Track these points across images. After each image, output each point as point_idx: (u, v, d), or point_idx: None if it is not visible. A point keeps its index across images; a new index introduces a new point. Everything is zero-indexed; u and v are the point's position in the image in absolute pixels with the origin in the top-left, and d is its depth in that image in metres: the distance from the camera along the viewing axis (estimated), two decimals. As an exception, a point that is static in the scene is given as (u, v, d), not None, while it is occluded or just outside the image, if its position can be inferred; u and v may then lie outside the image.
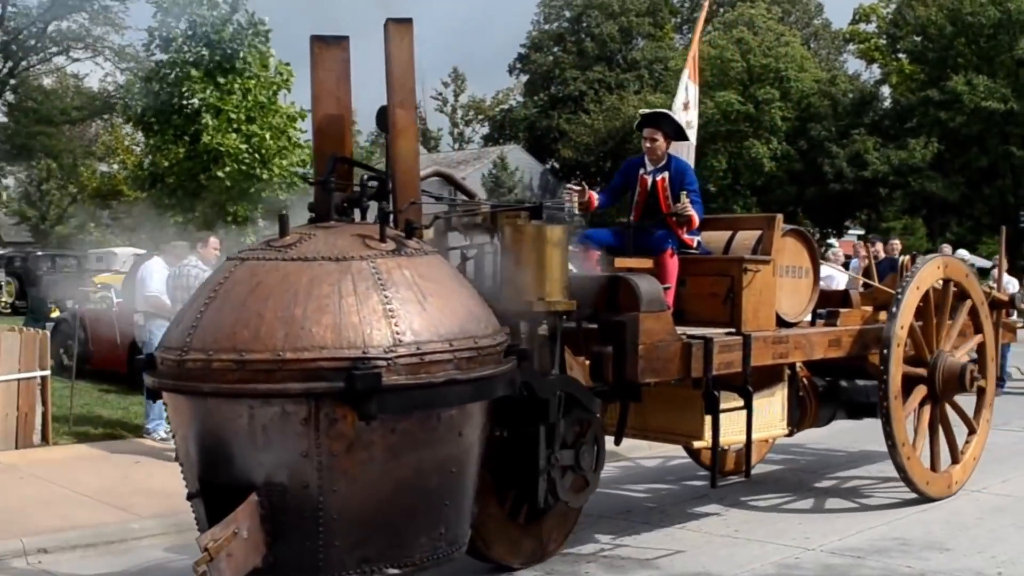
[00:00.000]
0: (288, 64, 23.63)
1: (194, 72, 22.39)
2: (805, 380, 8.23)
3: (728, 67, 38.74)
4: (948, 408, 8.55)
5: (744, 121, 38.42)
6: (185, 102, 22.49)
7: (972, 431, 8.73)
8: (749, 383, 7.06)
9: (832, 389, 8.44)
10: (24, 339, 9.90)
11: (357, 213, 5.36)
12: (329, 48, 5.44)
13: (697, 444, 7.15)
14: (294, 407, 4.49)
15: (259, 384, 4.49)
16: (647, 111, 7.67)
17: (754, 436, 7.52)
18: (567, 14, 54.22)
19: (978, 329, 8.79)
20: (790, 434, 7.97)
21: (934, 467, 8.28)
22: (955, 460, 8.51)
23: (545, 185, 49.41)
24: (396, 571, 4.79)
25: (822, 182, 38.40)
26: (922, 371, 8.18)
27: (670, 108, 9.06)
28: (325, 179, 5.17)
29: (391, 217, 5.13)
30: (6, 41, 36.56)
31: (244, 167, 21.38)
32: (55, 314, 17.88)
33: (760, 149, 37.93)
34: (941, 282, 8.34)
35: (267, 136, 22.62)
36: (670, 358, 6.54)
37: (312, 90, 5.51)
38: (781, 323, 7.59)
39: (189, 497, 4.99)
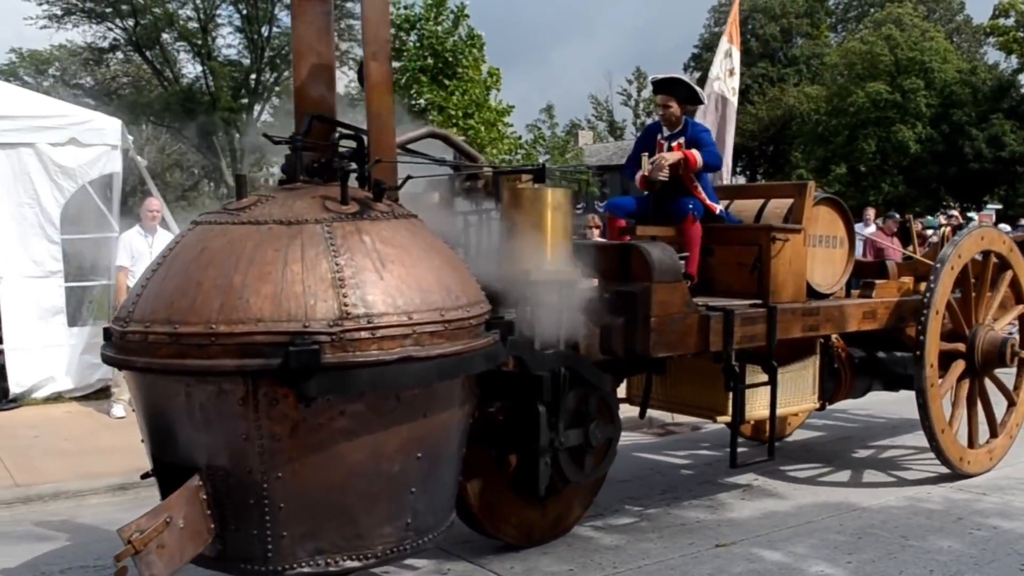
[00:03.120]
0: (497, 68, 25.84)
1: (422, 77, 24.84)
2: (841, 351, 6.95)
3: (877, 60, 38.00)
4: (987, 381, 7.20)
5: (892, 108, 37.58)
6: (414, 102, 24.55)
7: (1012, 403, 7.35)
8: (774, 357, 5.87)
9: (869, 361, 7.13)
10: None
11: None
12: (310, 1, 4.39)
13: (720, 419, 5.97)
14: (231, 386, 3.52)
15: (191, 360, 3.52)
16: (659, 76, 6.46)
17: (784, 410, 6.35)
18: None
19: (1020, 300, 7.38)
20: (821, 407, 6.72)
21: (971, 443, 6.95)
22: (994, 434, 7.17)
23: None
24: (355, 564, 3.78)
25: (963, 162, 37.44)
26: (960, 346, 6.84)
27: (709, 78, 7.77)
28: (291, 138, 4.14)
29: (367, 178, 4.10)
30: (272, 56, 37.71)
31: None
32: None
33: (906, 133, 37.03)
34: (981, 254, 6.97)
35: (481, 129, 24.41)
36: (686, 331, 5.38)
37: (292, 45, 4.50)
38: (814, 294, 6.35)
39: (143, 476, 4.05)
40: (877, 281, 6.74)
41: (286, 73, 34.23)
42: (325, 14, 4.42)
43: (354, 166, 4.06)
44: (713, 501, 6.50)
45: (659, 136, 6.53)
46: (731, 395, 5.73)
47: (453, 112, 24.34)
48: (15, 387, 9.11)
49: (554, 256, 4.79)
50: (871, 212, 15.89)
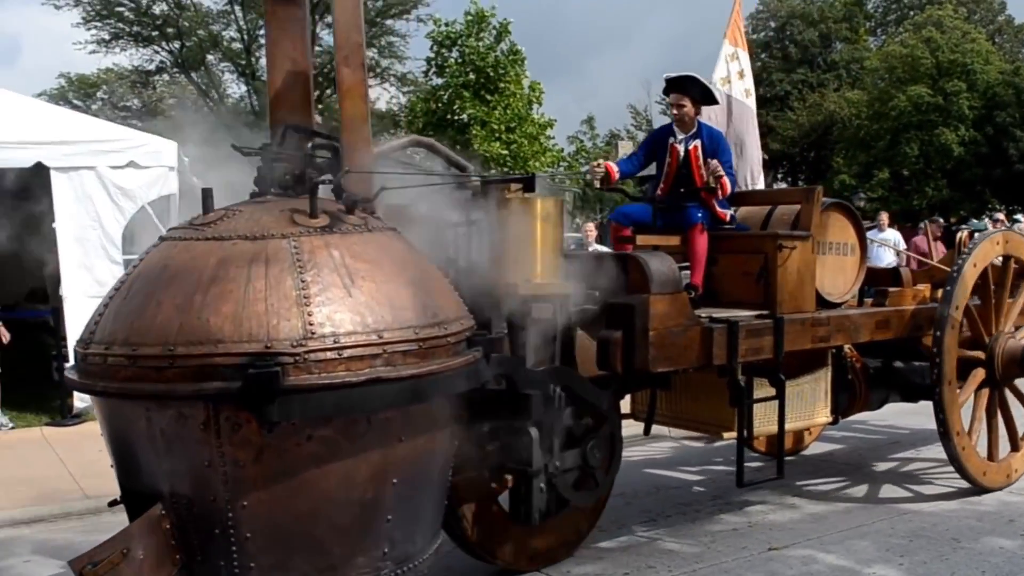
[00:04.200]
0: (539, 83, 26.32)
1: (464, 93, 25.10)
2: (855, 362, 6.66)
3: (918, 63, 37.39)
4: (1008, 393, 6.89)
5: (934, 111, 36.95)
6: (456, 117, 25.09)
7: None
8: (781, 370, 5.61)
9: (884, 371, 6.83)
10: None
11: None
12: (284, 6, 4.21)
13: (727, 436, 5.70)
14: (191, 410, 3.30)
15: (149, 384, 3.31)
16: (672, 75, 6.19)
17: (795, 425, 6.08)
18: (772, 24, 54.27)
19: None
20: (834, 421, 6.43)
21: (992, 456, 6.64)
22: (1015, 447, 6.84)
23: None
24: (328, 596, 3.55)
25: (1007, 164, 36.76)
26: (980, 354, 6.53)
27: (716, 79, 7.49)
28: (262, 148, 3.94)
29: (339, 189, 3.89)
30: (315, 74, 37.66)
31: (505, 169, 23.02)
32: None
33: (949, 136, 36.33)
34: (1001, 258, 6.66)
35: (524, 142, 24.78)
36: (687, 344, 5.12)
37: (266, 52, 4.31)
38: (824, 304, 6.08)
39: (111, 503, 3.85)
40: (891, 289, 6.45)
41: (328, 91, 34.70)
42: (300, 20, 4.23)
43: (325, 177, 3.85)
44: (763, 506, 6.50)
45: (672, 139, 6.26)
46: (736, 411, 5.48)
47: (496, 127, 24.56)
48: (79, 402, 9.20)
49: (544, 268, 4.56)
50: (885, 216, 15.47)
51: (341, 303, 3.40)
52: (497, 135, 24.71)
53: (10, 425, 9.69)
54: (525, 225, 4.52)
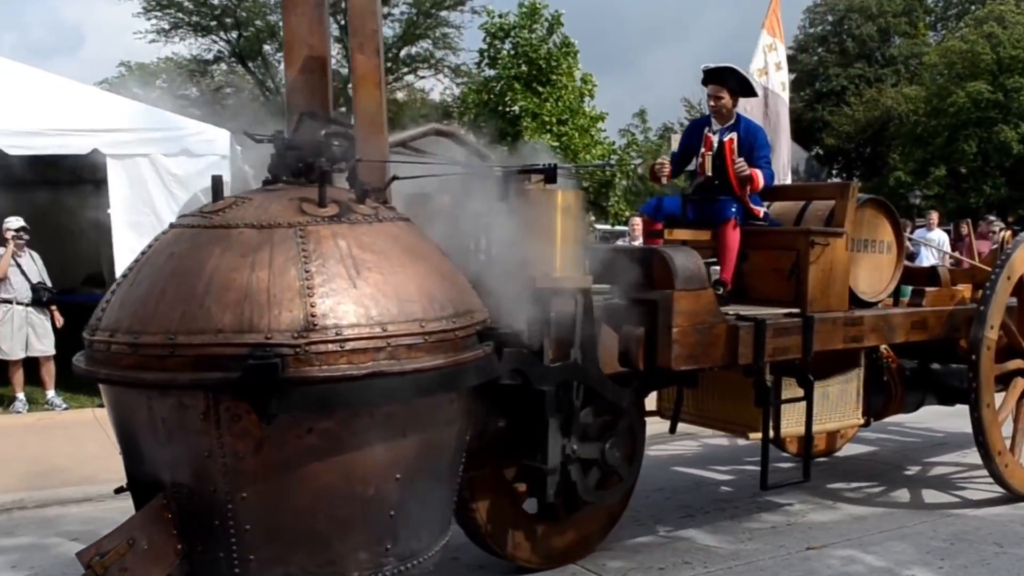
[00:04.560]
0: (591, 75, 26.43)
1: (516, 84, 25.25)
2: (891, 363, 6.47)
3: (978, 59, 36.36)
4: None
5: (993, 108, 36.06)
6: (508, 109, 25.26)
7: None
8: (810, 370, 5.45)
9: (921, 373, 6.62)
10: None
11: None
12: (302, -9, 4.13)
13: (753, 436, 5.56)
14: (191, 400, 3.26)
15: (150, 372, 3.27)
16: (710, 66, 6.04)
17: (825, 427, 5.92)
18: (830, 18, 53.85)
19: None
20: (866, 424, 6.25)
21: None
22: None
23: (810, 170, 49.71)
24: (329, 591, 3.49)
25: None
26: (1020, 363, 6.31)
27: (754, 70, 7.32)
28: (273, 136, 3.88)
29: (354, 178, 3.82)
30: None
31: (556, 162, 23.19)
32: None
33: (1009, 134, 35.49)
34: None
35: (575, 135, 24.72)
36: (712, 342, 4.98)
37: (284, 38, 4.24)
38: (858, 303, 5.90)
39: (117, 490, 3.82)
40: (928, 289, 6.24)
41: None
42: (318, 5, 4.15)
43: (337, 166, 3.78)
44: (805, 505, 6.45)
45: (707, 130, 6.13)
46: (762, 411, 5.34)
47: (547, 119, 24.57)
48: None
49: (563, 262, 4.45)
50: (935, 216, 15.07)
51: (345, 294, 3.33)
52: (548, 127, 24.69)
53: (64, 406, 9.93)
54: (545, 217, 4.42)
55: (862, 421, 6.07)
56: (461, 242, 4.43)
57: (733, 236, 5.71)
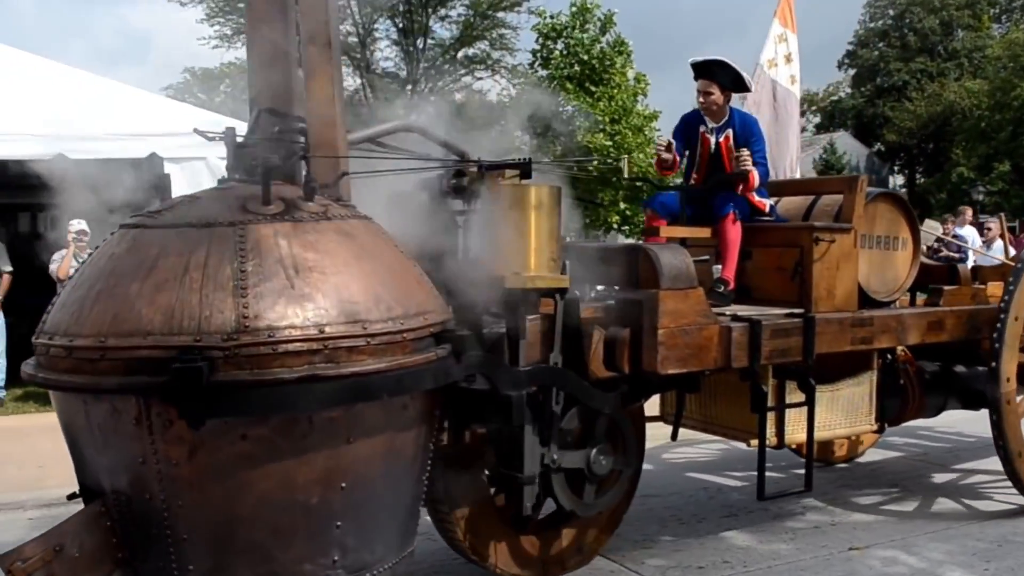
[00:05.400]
0: (644, 74, 26.31)
1: (568, 84, 25.24)
2: (908, 366, 6.16)
3: None
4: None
5: None
6: (560, 108, 24.85)
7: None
8: (811, 374, 5.20)
9: (942, 376, 6.30)
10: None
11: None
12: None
13: (753, 443, 5.32)
14: (123, 404, 3.15)
15: (82, 376, 3.18)
16: (698, 59, 5.79)
17: (833, 434, 5.65)
18: (891, 12, 53.66)
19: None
20: (880, 429, 5.97)
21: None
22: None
23: (871, 166, 49.45)
24: (272, 604, 3.36)
25: None
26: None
27: (759, 64, 7.06)
28: (224, 133, 3.78)
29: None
30: (427, 67, 39.49)
31: (609, 160, 23.17)
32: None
33: None
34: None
35: (628, 134, 24.59)
36: (703, 344, 4.75)
37: (246, 35, 4.14)
38: (871, 302, 5.64)
39: (69, 496, 3.74)
40: (945, 287, 5.93)
41: (440, 83, 35.13)
42: (279, 3, 4.04)
43: (279, 162, 3.65)
44: (847, 506, 6.42)
45: (702, 128, 5.89)
46: (759, 417, 5.10)
47: (600, 118, 24.51)
48: None
49: (537, 260, 4.28)
50: (968, 212, 14.51)
51: (280, 295, 3.19)
52: (601, 126, 24.42)
53: None
54: (517, 214, 4.24)
55: (875, 427, 5.78)
56: (435, 241, 4.29)
57: (733, 231, 5.48)
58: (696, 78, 5.80)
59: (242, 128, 3.81)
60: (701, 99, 5.77)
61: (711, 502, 6.60)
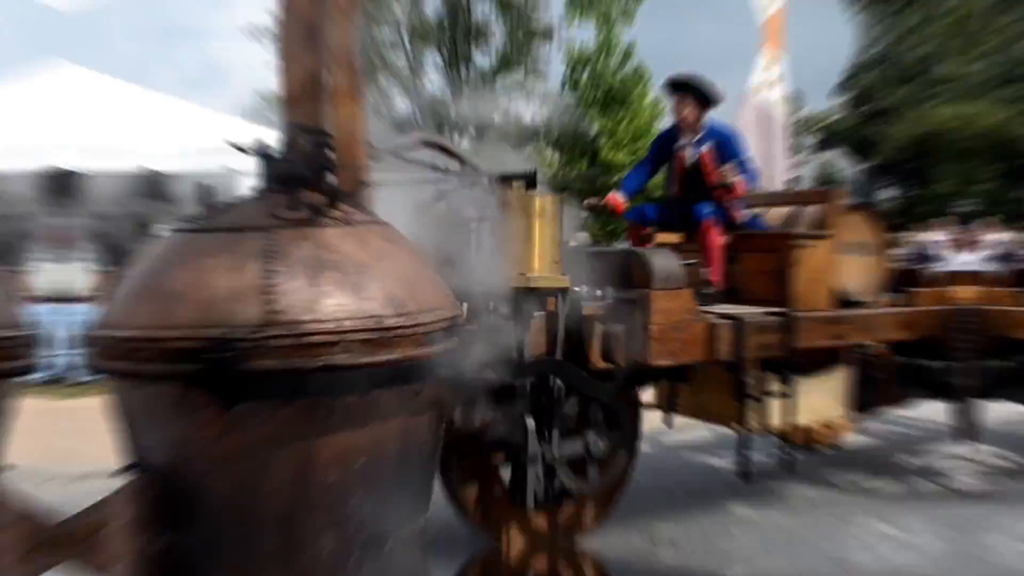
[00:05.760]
0: (660, 100, 25.96)
1: (591, 111, 26.03)
2: (881, 360, 6.12)
3: None
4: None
5: None
6: (587, 130, 26.08)
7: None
8: (791, 367, 5.19)
9: (911, 369, 6.26)
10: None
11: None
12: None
13: (735, 427, 5.32)
14: (165, 389, 3.23)
15: (129, 362, 3.26)
16: (672, 77, 5.76)
17: (814, 420, 5.65)
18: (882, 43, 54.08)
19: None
20: (858, 418, 5.95)
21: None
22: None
23: (865, 182, 49.44)
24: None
25: None
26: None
27: (750, 87, 7.02)
28: (259, 146, 3.82)
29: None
30: (469, 92, 39.64)
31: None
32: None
33: None
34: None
35: (646, 153, 24.58)
36: (691, 339, 4.79)
37: (278, 55, 4.16)
38: (849, 303, 5.62)
39: (114, 473, 3.80)
40: (913, 290, 5.91)
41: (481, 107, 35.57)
42: (309, 23, 4.07)
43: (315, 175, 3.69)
44: (833, 485, 6.40)
45: (677, 144, 5.84)
46: (738, 406, 5.11)
47: (622, 136, 24.73)
48: None
49: (541, 263, 4.30)
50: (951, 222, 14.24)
51: (303, 292, 3.27)
52: (624, 144, 24.80)
53: None
54: (522, 221, 4.28)
55: (852, 415, 5.77)
56: (451, 246, 4.33)
57: (712, 236, 5.49)
58: (670, 95, 5.78)
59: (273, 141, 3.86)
60: (675, 115, 5.75)
61: (714, 478, 6.66)
